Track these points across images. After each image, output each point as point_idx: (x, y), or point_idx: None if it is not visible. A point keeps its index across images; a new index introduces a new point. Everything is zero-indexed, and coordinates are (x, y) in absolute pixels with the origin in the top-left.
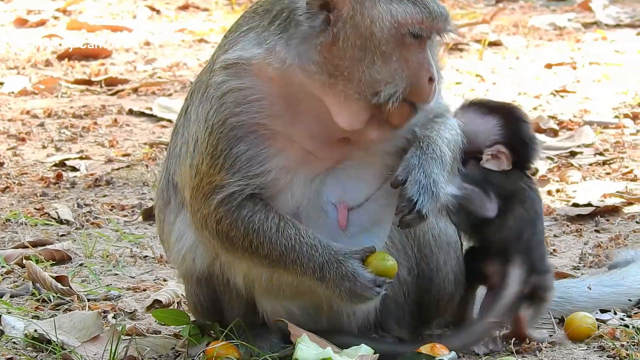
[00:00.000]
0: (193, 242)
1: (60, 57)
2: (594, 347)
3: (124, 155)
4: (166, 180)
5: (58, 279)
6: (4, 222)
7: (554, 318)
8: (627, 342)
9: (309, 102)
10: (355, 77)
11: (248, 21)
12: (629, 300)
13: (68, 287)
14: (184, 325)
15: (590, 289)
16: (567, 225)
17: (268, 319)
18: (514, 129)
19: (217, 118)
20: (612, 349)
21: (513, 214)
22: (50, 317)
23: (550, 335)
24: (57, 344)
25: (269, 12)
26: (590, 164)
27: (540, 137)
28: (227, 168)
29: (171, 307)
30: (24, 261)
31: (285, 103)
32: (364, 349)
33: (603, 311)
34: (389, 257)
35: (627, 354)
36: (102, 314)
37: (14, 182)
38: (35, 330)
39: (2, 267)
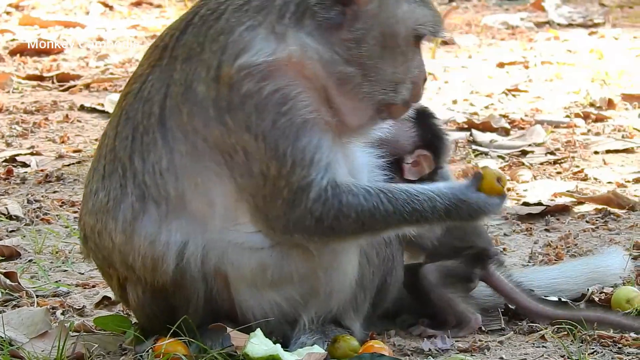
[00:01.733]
0: (204, 245)
1: (12, 53)
2: (543, 344)
3: (75, 152)
4: (136, 197)
5: (7, 275)
6: None
7: (503, 316)
8: (576, 340)
9: (327, 92)
10: (376, 73)
11: (241, 19)
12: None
13: (17, 283)
14: (127, 330)
15: None
16: (518, 224)
17: (253, 315)
18: (429, 128)
19: (265, 123)
20: (562, 347)
21: None
22: None
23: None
24: (5, 340)
25: (268, 7)
26: (541, 163)
27: (491, 136)
28: (300, 164)
29: (119, 305)
30: None
31: (317, 93)
32: (316, 348)
33: None
34: (495, 174)
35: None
36: (51, 310)
37: None
38: None
39: None
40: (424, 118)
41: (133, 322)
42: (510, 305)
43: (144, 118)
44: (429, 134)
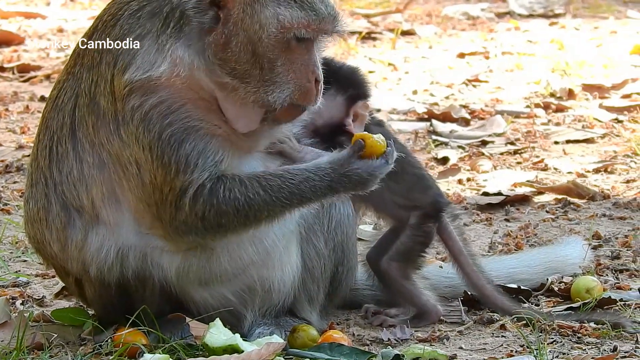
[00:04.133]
0: (119, 250)
1: None
2: (502, 334)
3: (34, 140)
4: (60, 206)
5: None
6: None
7: (463, 307)
8: (535, 330)
9: (210, 102)
10: (250, 80)
11: (133, 27)
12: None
13: None
14: (85, 321)
15: (441, 267)
16: (477, 214)
17: (197, 310)
18: (343, 80)
19: (151, 135)
20: (521, 337)
21: None
22: None
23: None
24: None
25: (158, 14)
26: (501, 153)
27: (451, 126)
28: (183, 169)
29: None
30: None
31: (204, 102)
32: (275, 338)
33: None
34: (375, 137)
35: (535, 342)
36: (10, 300)
37: None
38: None
39: None
40: (346, 73)
41: (91, 314)
42: (452, 267)
43: (57, 128)
44: (347, 86)
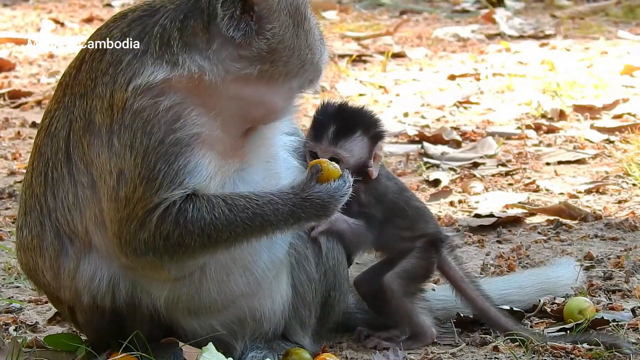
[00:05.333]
0: (111, 278)
1: None
2: (495, 356)
3: (26, 168)
4: (54, 234)
5: None
6: None
7: (456, 328)
8: (528, 351)
9: (224, 102)
10: (296, 51)
11: (125, 53)
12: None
13: None
14: (78, 347)
15: (434, 290)
16: (469, 236)
17: (187, 338)
18: (371, 122)
19: (153, 140)
20: (514, 359)
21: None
22: None
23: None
24: None
25: (149, 34)
26: (493, 175)
27: (443, 148)
28: (167, 185)
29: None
30: None
31: (207, 109)
32: None
33: None
34: (330, 163)
35: None
36: (4, 326)
37: None
38: None
39: None
40: (364, 116)
41: (84, 339)
42: (456, 295)
43: (52, 154)
44: (370, 127)
